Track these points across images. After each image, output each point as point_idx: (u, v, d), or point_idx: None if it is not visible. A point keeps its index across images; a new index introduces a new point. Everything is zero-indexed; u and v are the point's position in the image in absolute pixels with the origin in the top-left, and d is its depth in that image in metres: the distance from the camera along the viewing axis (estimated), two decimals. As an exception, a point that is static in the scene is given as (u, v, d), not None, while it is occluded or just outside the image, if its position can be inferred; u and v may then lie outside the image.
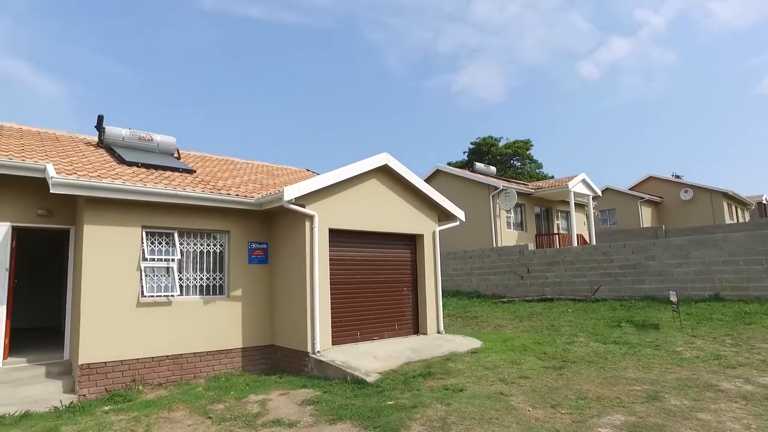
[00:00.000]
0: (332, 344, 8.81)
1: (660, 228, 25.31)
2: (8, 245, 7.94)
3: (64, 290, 8.76)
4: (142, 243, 8.13)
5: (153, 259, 8.25)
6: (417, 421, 5.45)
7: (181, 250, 8.61)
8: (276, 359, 9.28)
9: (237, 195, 8.88)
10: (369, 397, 6.59)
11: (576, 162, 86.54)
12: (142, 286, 8.04)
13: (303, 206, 8.58)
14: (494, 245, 20.52)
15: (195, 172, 10.12)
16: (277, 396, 7.08)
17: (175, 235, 8.55)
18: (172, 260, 8.46)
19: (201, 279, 8.85)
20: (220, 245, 9.16)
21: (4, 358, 7.83)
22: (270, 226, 9.69)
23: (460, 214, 11.49)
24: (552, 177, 38.75)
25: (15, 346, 8.90)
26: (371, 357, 8.41)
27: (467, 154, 44.40)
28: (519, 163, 43.25)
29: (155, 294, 8.15)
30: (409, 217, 10.53)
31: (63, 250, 11.84)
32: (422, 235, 10.79)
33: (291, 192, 8.27)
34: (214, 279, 9.02)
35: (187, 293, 8.67)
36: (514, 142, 42.43)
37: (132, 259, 7.95)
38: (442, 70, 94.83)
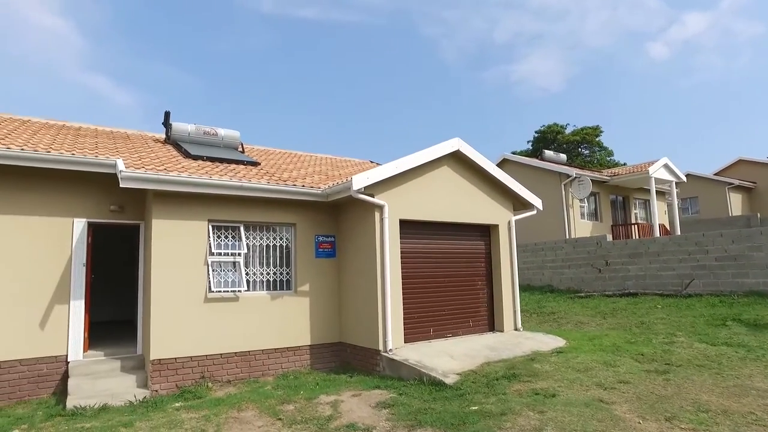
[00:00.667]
0: (404, 342, 8.31)
1: (754, 216, 23.05)
2: (84, 241, 8.00)
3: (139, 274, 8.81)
4: (209, 237, 7.97)
5: (219, 254, 8.07)
6: (508, 430, 4.84)
7: (247, 244, 8.39)
8: (345, 357, 8.90)
9: (303, 186, 8.55)
10: (449, 401, 6.03)
11: (650, 148, 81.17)
12: (209, 281, 7.87)
13: (372, 196, 8.12)
14: (567, 237, 19.32)
15: (259, 164, 9.92)
16: (349, 397, 6.67)
17: (241, 228, 8.33)
18: (239, 254, 8.25)
19: (267, 274, 8.61)
20: (286, 239, 8.88)
21: (84, 351, 7.91)
22: (337, 219, 9.31)
23: (537, 202, 10.66)
24: (624, 164, 36.42)
25: (94, 340, 9.04)
26: (447, 356, 7.85)
27: (531, 143, 42.66)
28: (587, 151, 41.03)
29: (222, 289, 7.97)
30: (483, 207, 9.84)
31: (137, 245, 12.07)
32: (497, 225, 10.07)
33: (360, 181, 7.82)
34: (281, 274, 8.75)
35: (254, 288, 8.45)
36: (582, 129, 40.23)
37: (199, 254, 7.79)
38: (500, 61, 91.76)
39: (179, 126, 10.85)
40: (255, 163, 9.77)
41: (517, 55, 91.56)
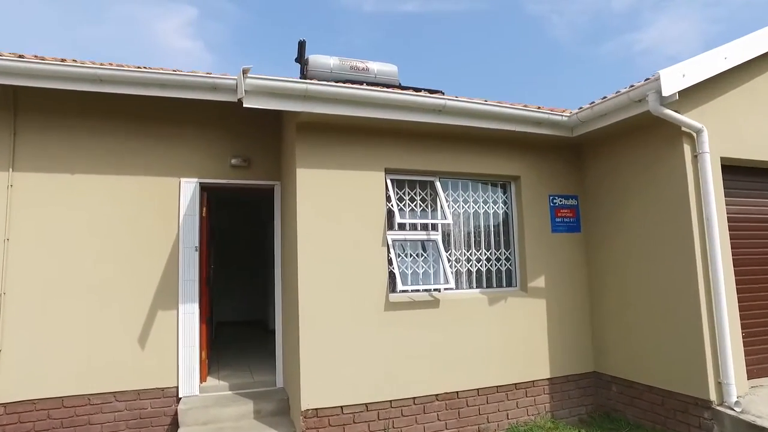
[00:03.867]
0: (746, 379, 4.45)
1: None
2: (196, 212, 5.18)
3: (270, 277, 5.96)
4: (388, 199, 4.73)
5: (404, 226, 4.81)
6: None
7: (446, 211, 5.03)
8: (605, 398, 5.24)
9: (538, 109, 4.98)
10: None
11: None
12: (392, 274, 4.65)
13: (677, 112, 4.32)
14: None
15: (443, 93, 6.53)
16: None
17: (437, 184, 4.99)
18: (434, 228, 4.94)
19: (477, 261, 5.19)
20: (503, 202, 5.39)
21: (201, 381, 5.12)
22: (582, 168, 5.62)
23: None
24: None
25: (214, 358, 6.35)
26: None
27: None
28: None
29: (411, 288, 4.69)
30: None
31: (263, 219, 9.48)
32: None
33: (672, 81, 4.06)
34: (497, 260, 5.29)
35: (458, 285, 5.08)
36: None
37: (373, 227, 4.56)
38: (619, 31, 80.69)
39: (318, 60, 7.77)
40: (437, 92, 6.39)
41: (640, 23, 79.72)
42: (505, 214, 5.37)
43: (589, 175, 5.51)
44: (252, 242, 10.93)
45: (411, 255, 4.83)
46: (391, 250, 4.59)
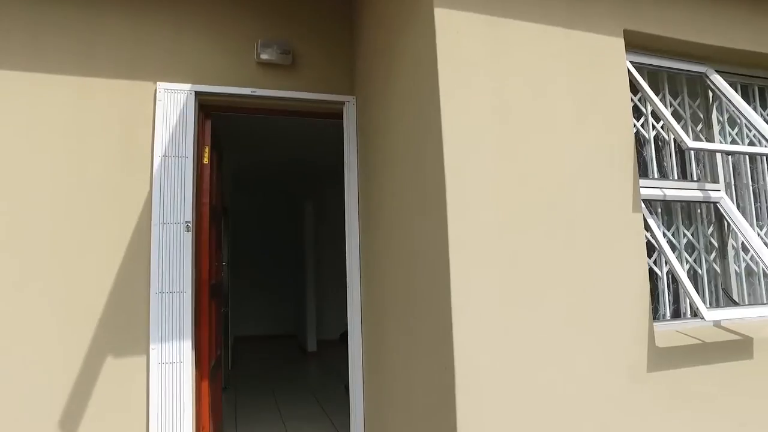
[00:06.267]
0: None
1: None
2: (189, 152, 2.51)
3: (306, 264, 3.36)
4: (639, 106, 2.05)
5: (663, 172, 2.13)
6: None
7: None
8: None
9: None
10: None
11: None
12: (657, 275, 1.98)
13: None
14: None
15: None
16: None
17: (714, 79, 2.28)
18: (711, 177, 2.25)
19: None
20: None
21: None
22: None
23: None
24: None
25: (230, 408, 3.70)
26: None
27: None
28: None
29: (728, 316, 1.99)
30: None
31: (293, 198, 6.84)
32: None
33: None
34: (799, 247, 2.59)
35: (750, 298, 2.38)
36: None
37: (612, 165, 1.86)
38: None
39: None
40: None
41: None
42: (809, 154, 2.65)
43: None
44: (274, 230, 8.34)
45: (664, 234, 2.16)
46: (650, 221, 1.91)
